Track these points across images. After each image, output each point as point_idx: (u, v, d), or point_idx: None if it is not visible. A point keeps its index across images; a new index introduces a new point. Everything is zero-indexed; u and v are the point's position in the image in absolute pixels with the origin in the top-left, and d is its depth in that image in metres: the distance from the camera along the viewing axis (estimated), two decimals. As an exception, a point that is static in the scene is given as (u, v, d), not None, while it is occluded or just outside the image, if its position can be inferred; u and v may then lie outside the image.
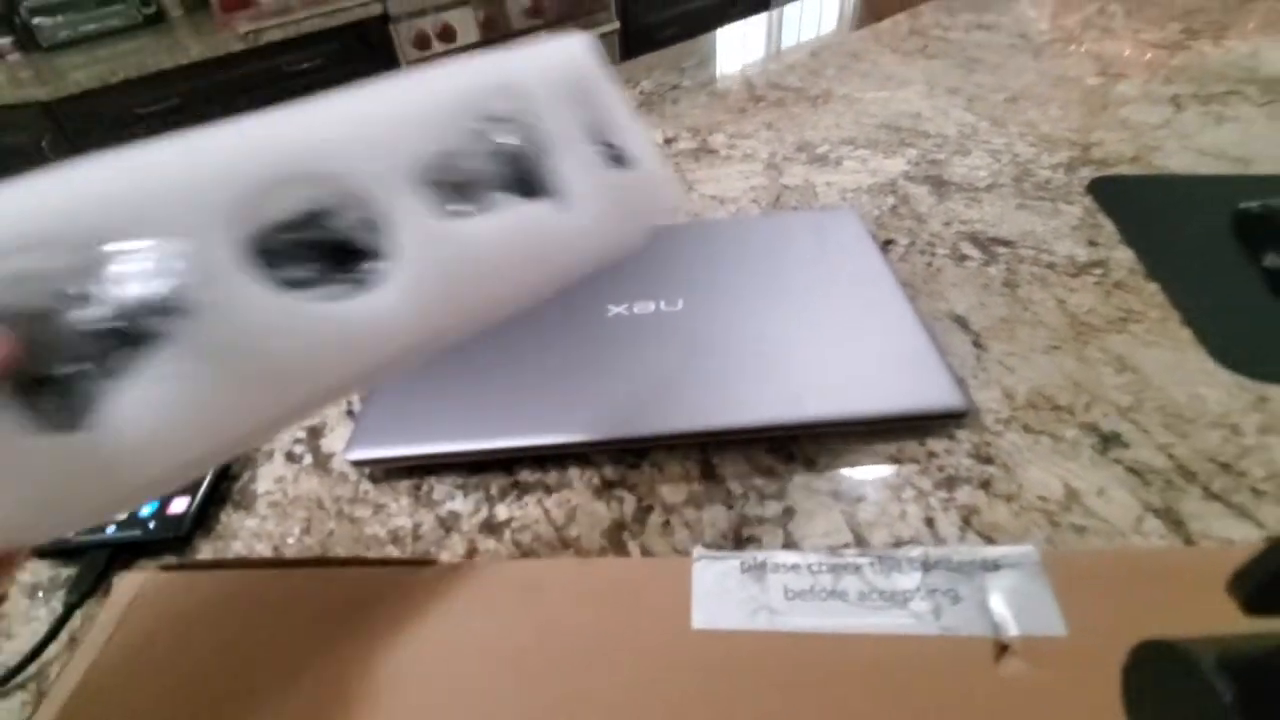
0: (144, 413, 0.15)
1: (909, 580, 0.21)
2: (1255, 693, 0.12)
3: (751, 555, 0.23)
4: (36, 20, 1.74)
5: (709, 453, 0.34)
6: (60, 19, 1.77)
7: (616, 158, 0.23)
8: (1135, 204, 0.49)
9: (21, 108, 1.53)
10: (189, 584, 0.25)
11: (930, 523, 0.30)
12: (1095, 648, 0.16)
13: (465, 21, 1.98)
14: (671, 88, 1.16)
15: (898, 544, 0.29)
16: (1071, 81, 0.68)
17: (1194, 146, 0.55)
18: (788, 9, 1.47)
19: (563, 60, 0.23)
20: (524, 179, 0.21)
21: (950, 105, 0.65)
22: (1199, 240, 0.45)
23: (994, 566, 0.21)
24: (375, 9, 1.82)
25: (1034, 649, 0.19)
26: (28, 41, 1.78)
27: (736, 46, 1.31)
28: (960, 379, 0.36)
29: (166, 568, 0.26)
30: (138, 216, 0.15)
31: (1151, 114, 0.60)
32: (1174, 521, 0.29)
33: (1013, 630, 0.19)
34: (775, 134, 0.63)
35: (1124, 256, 0.44)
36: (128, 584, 0.25)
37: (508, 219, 0.20)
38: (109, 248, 0.15)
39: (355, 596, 0.23)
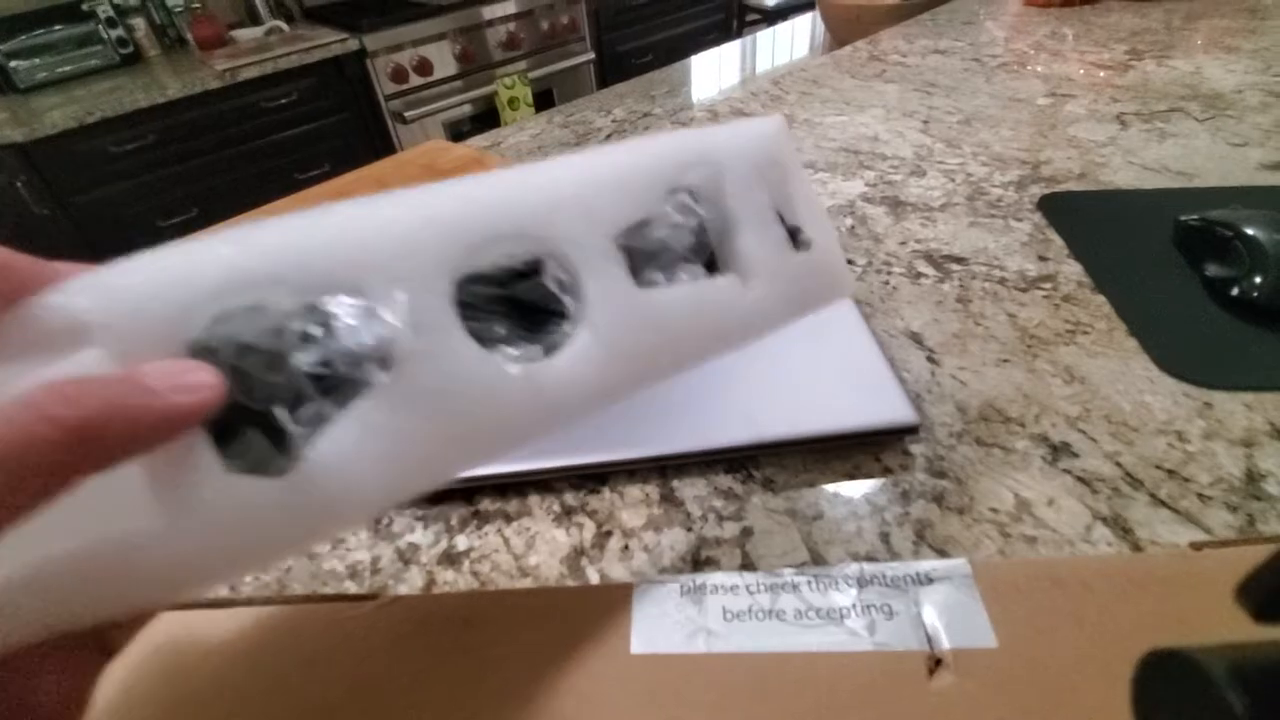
0: (344, 459, 0.15)
1: (845, 597, 0.21)
2: (1267, 703, 0.12)
3: (690, 578, 0.23)
4: (13, 64, 1.75)
5: (669, 476, 0.34)
6: (37, 61, 1.78)
7: (797, 239, 0.24)
8: (1082, 219, 0.50)
9: (-4, 149, 1.53)
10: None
11: (885, 538, 0.30)
12: (1024, 658, 0.16)
13: (442, 55, 2.01)
14: (643, 115, 1.19)
15: (855, 557, 0.30)
16: (1023, 103, 0.70)
17: (1138, 162, 0.57)
18: (760, 36, 1.52)
19: (757, 139, 0.23)
20: (709, 252, 0.21)
21: (907, 128, 0.67)
22: (1143, 252, 0.46)
23: (927, 580, 0.21)
24: (352, 45, 1.85)
25: (965, 662, 0.19)
26: (4, 84, 1.78)
27: (708, 74, 1.35)
28: (915, 394, 0.37)
29: None
30: (366, 264, 0.15)
31: (1098, 132, 0.63)
32: (1122, 529, 0.29)
33: (944, 644, 0.20)
34: (738, 159, 0.65)
35: (1072, 270, 0.45)
36: None
37: (693, 292, 0.20)
38: (336, 293, 0.15)
39: (297, 635, 0.23)
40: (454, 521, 0.33)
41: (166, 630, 0.24)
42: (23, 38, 1.74)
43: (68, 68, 1.82)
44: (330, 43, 1.82)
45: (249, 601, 0.28)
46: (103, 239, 1.71)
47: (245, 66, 1.73)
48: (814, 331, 0.38)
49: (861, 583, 0.22)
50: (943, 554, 0.29)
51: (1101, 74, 0.75)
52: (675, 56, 1.48)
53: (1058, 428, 0.35)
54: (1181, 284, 0.44)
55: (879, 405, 0.34)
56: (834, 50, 1.29)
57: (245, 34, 1.97)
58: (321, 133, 1.91)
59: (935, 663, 0.19)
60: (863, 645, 0.20)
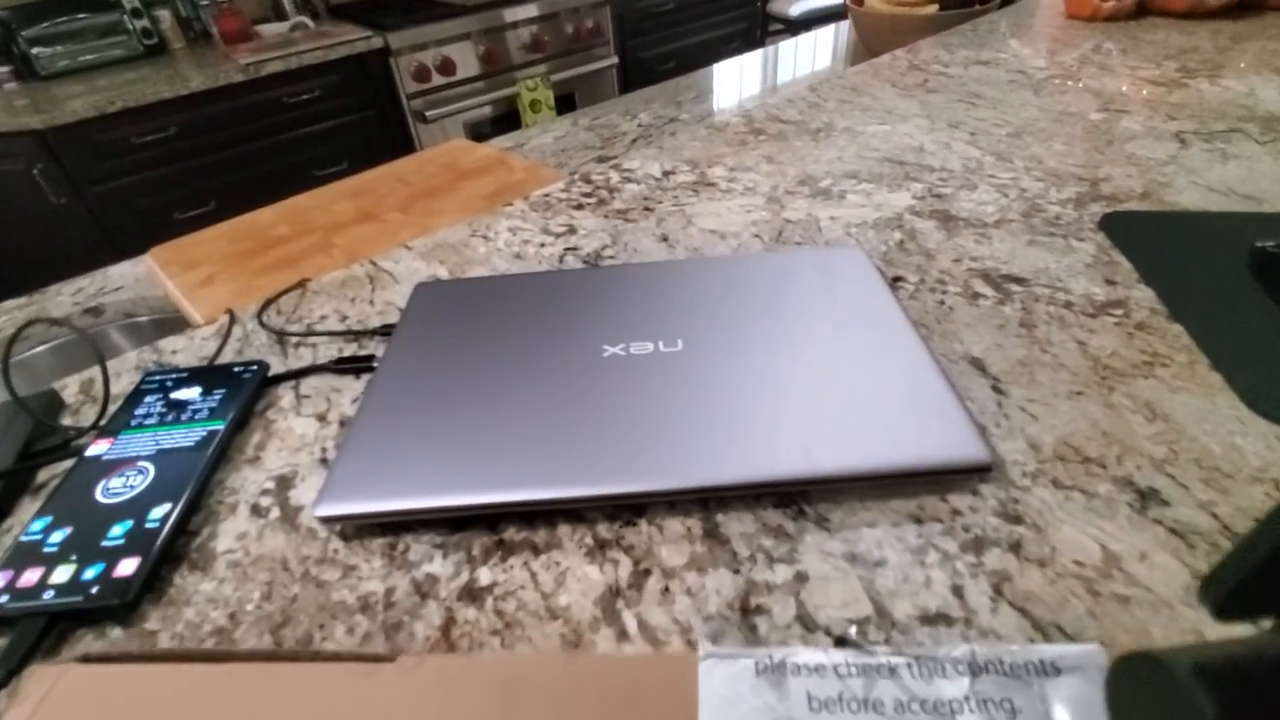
0: None
1: (955, 687, 0.18)
2: (1232, 698, 0.12)
3: (767, 654, 0.20)
4: (35, 50, 1.75)
5: (712, 509, 0.31)
6: (59, 49, 1.78)
7: None
8: (1150, 241, 0.47)
9: (15, 136, 1.52)
10: (111, 681, 0.21)
11: (958, 591, 0.27)
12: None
13: (465, 56, 2.00)
14: (669, 120, 1.16)
15: (924, 617, 0.26)
16: (1074, 117, 0.67)
17: (1203, 183, 0.54)
18: (783, 45, 1.49)
19: None
20: None
21: (953, 139, 0.64)
22: (1218, 280, 0.43)
23: (1054, 670, 0.18)
24: (376, 42, 1.84)
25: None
26: (26, 70, 1.78)
27: (733, 81, 1.32)
28: (981, 427, 0.33)
29: (86, 659, 0.23)
30: None
31: (1157, 150, 0.59)
32: (1226, 591, 0.26)
33: (1081, 751, 0.16)
34: (776, 167, 0.62)
35: (1143, 296, 0.42)
36: (37, 680, 0.22)
37: None
38: None
39: (304, 700, 0.20)
40: (476, 551, 0.30)
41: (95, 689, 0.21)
42: (46, 25, 1.74)
43: (90, 56, 1.82)
44: (355, 39, 1.81)
45: (231, 657, 0.25)
46: (119, 229, 1.70)
47: (269, 61, 1.72)
48: (870, 353, 0.35)
49: (974, 669, 0.19)
50: (1024, 612, 0.26)
51: (1152, 90, 0.72)
52: (698, 64, 1.46)
53: (1143, 471, 0.31)
54: (1262, 314, 0.40)
55: (946, 440, 0.31)
56: (867, 60, 1.26)
57: (270, 29, 1.97)
58: (342, 130, 1.90)
59: (1073, 775, 0.16)
60: (982, 749, 0.17)
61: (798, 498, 0.31)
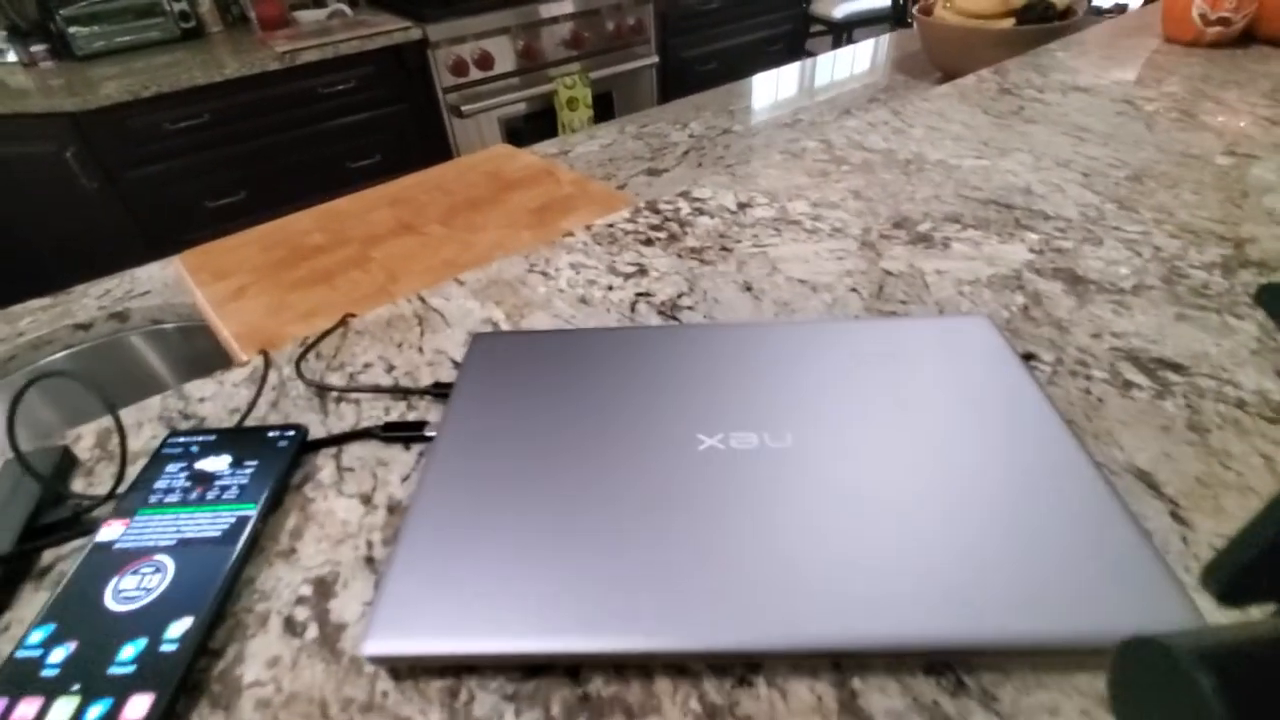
0: None
1: None
2: (1235, 682, 0.12)
3: None
4: (72, 30, 1.72)
5: (846, 672, 0.25)
6: (96, 29, 1.75)
7: None
8: (1324, 323, 0.40)
9: (49, 117, 1.50)
10: None
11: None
12: None
13: (503, 50, 1.94)
14: (722, 131, 1.10)
15: None
16: (1198, 160, 0.60)
17: (1367, 249, 0.47)
18: (823, 57, 1.42)
19: None
20: None
21: (1064, 180, 0.57)
22: None
23: None
24: (415, 34, 1.79)
25: None
26: (62, 50, 1.76)
27: (784, 91, 1.25)
28: (1186, 591, 0.27)
29: None
30: None
31: (1304, 205, 0.52)
32: None
33: None
34: (866, 205, 0.56)
35: (1331, 396, 0.36)
36: None
37: None
38: None
39: None
40: (556, 709, 0.25)
41: None
42: (84, 4, 1.71)
43: (127, 38, 1.79)
44: (393, 30, 1.76)
45: None
46: (149, 216, 1.67)
47: (305, 50, 1.68)
48: (1028, 468, 0.29)
49: None
50: None
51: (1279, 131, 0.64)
52: (739, 65, 1.39)
53: (1385, 649, 0.25)
54: None
55: (1141, 597, 0.25)
56: (929, 76, 1.19)
57: (308, 15, 1.93)
58: (376, 123, 1.86)
59: None
60: None
61: (954, 664, 0.25)
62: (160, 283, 0.79)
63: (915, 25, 1.26)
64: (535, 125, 2.06)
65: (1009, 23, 1.12)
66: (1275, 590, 0.16)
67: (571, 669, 0.26)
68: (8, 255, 1.64)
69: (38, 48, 1.74)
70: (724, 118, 1.15)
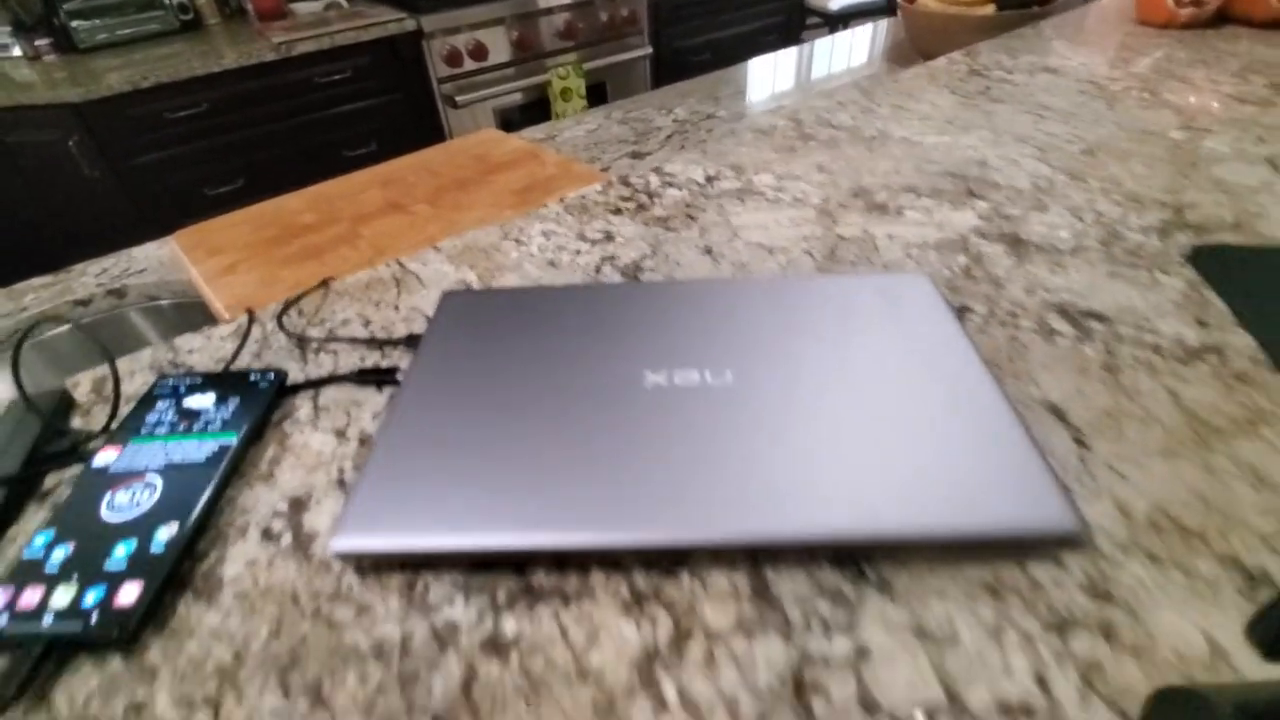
0: None
1: None
2: None
3: None
4: (75, 23, 1.75)
5: (761, 564, 0.28)
6: (98, 22, 1.78)
7: None
8: (1246, 280, 0.43)
9: (53, 108, 1.53)
10: None
11: (1043, 682, 0.24)
12: None
13: (498, 41, 1.97)
14: (706, 117, 1.12)
15: (1003, 707, 0.23)
16: (1154, 135, 0.62)
17: (1300, 214, 0.50)
18: (819, 43, 1.44)
19: None
20: None
21: (1021, 154, 0.60)
22: (1327, 326, 0.39)
23: None
24: (409, 24, 1.81)
25: None
26: (65, 43, 1.79)
27: (772, 78, 1.28)
28: (1065, 488, 0.30)
29: None
30: None
31: (1248, 175, 0.55)
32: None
33: None
34: (828, 177, 0.58)
35: (1242, 342, 0.38)
36: None
37: None
38: None
39: None
40: (502, 597, 0.28)
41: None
42: (87, -3, 1.75)
43: (128, 30, 1.82)
44: (388, 21, 1.79)
45: None
46: (150, 203, 1.70)
47: (301, 40, 1.70)
48: (940, 397, 0.32)
49: None
50: (1121, 712, 0.23)
51: (1242, 109, 0.67)
52: (733, 56, 1.41)
53: (1252, 550, 0.28)
54: (1378, 369, 0.36)
55: (1029, 502, 0.28)
56: (914, 63, 1.21)
57: (304, 7, 1.96)
58: (371, 112, 1.89)
59: None
60: None
61: (857, 557, 0.28)
62: (156, 261, 0.82)
63: (899, 12, 1.28)
64: (530, 116, 2.08)
65: (990, 8, 1.14)
66: None
67: (518, 565, 0.28)
68: (15, 240, 1.67)
69: (41, 41, 1.77)
70: (709, 103, 1.18)
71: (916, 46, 1.26)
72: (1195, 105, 0.67)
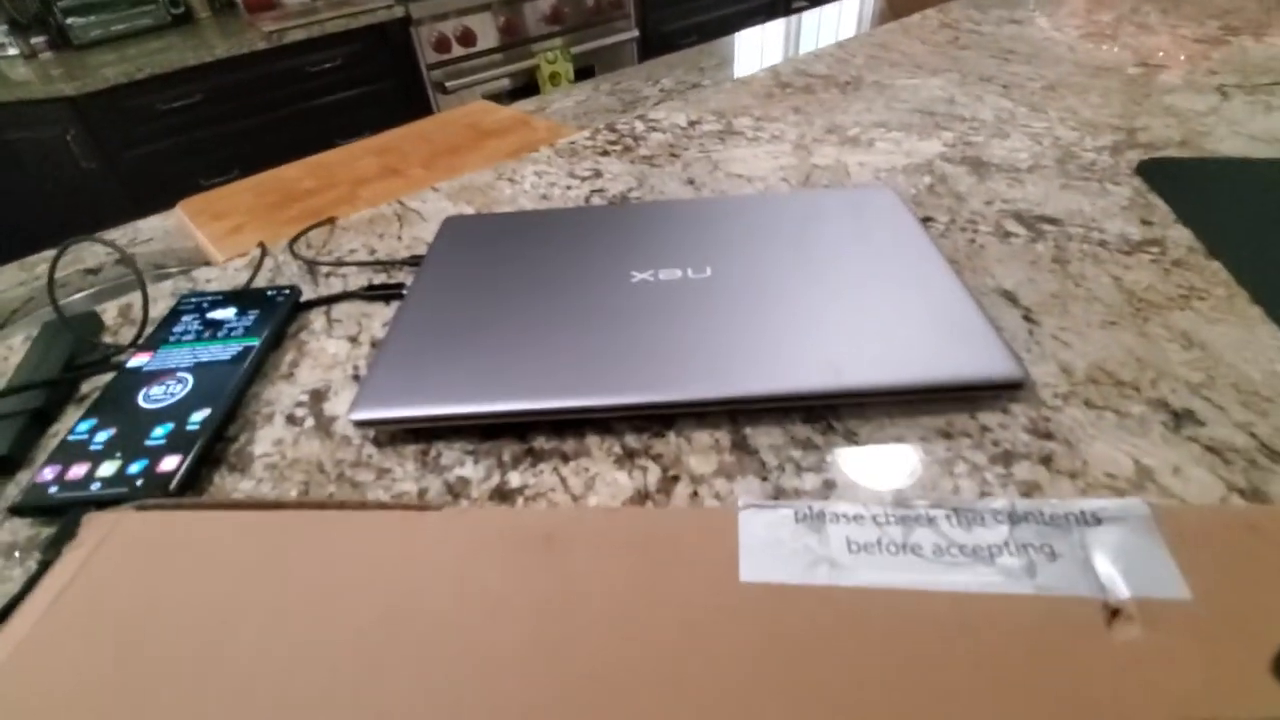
0: None
1: (994, 534, 0.18)
2: None
3: (806, 504, 0.20)
4: (69, 20, 1.77)
5: (740, 423, 0.31)
6: (92, 18, 1.80)
7: None
8: (1188, 185, 0.46)
9: (50, 102, 1.55)
10: (167, 525, 0.22)
11: (986, 497, 0.27)
12: (1226, 611, 0.13)
13: (485, 26, 1.99)
14: (692, 86, 1.15)
15: (951, 521, 0.27)
16: (1111, 71, 0.65)
17: (1245, 133, 0.53)
18: (806, 17, 1.47)
19: None
20: None
21: (985, 92, 0.63)
22: (1261, 220, 0.42)
23: (1094, 520, 0.18)
24: (397, 12, 1.83)
25: (1152, 612, 0.16)
26: (60, 40, 1.80)
27: (757, 48, 1.30)
28: (1013, 352, 0.33)
29: (143, 507, 0.24)
30: None
31: (1197, 102, 0.58)
32: (1263, 502, 0.26)
33: (1124, 591, 0.16)
34: (804, 118, 0.61)
35: (1181, 235, 0.41)
36: (97, 525, 0.23)
37: None
38: None
39: (351, 542, 0.21)
40: (506, 458, 0.31)
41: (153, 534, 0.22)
42: (78, -7, 1.76)
43: (121, 25, 1.84)
44: (376, 9, 1.81)
45: (282, 506, 0.26)
46: (147, 195, 1.72)
47: (291, 29, 1.72)
48: (900, 279, 0.35)
49: (1013, 519, 0.19)
50: (1054, 519, 0.26)
51: (1194, 48, 0.70)
52: (721, 36, 1.45)
53: (1178, 394, 0.31)
54: (1306, 255, 0.39)
55: (976, 357, 0.31)
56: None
57: (292, -2, 1.97)
58: (363, 99, 1.91)
59: (1113, 612, 0.16)
60: (1021, 588, 0.17)
61: (825, 413, 0.31)
62: (161, 231, 0.84)
63: (877, -19, 1.31)
64: (519, 100, 2.10)
65: (964, -27, 1.17)
66: None
67: (520, 430, 0.32)
68: (18, 234, 1.69)
69: (37, 39, 1.79)
70: (694, 74, 1.20)
71: (896, 13, 1.29)
72: (1152, 46, 0.70)
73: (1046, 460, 0.28)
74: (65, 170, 1.61)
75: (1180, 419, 0.30)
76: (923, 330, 0.32)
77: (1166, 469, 0.28)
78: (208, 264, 0.78)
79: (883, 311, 0.34)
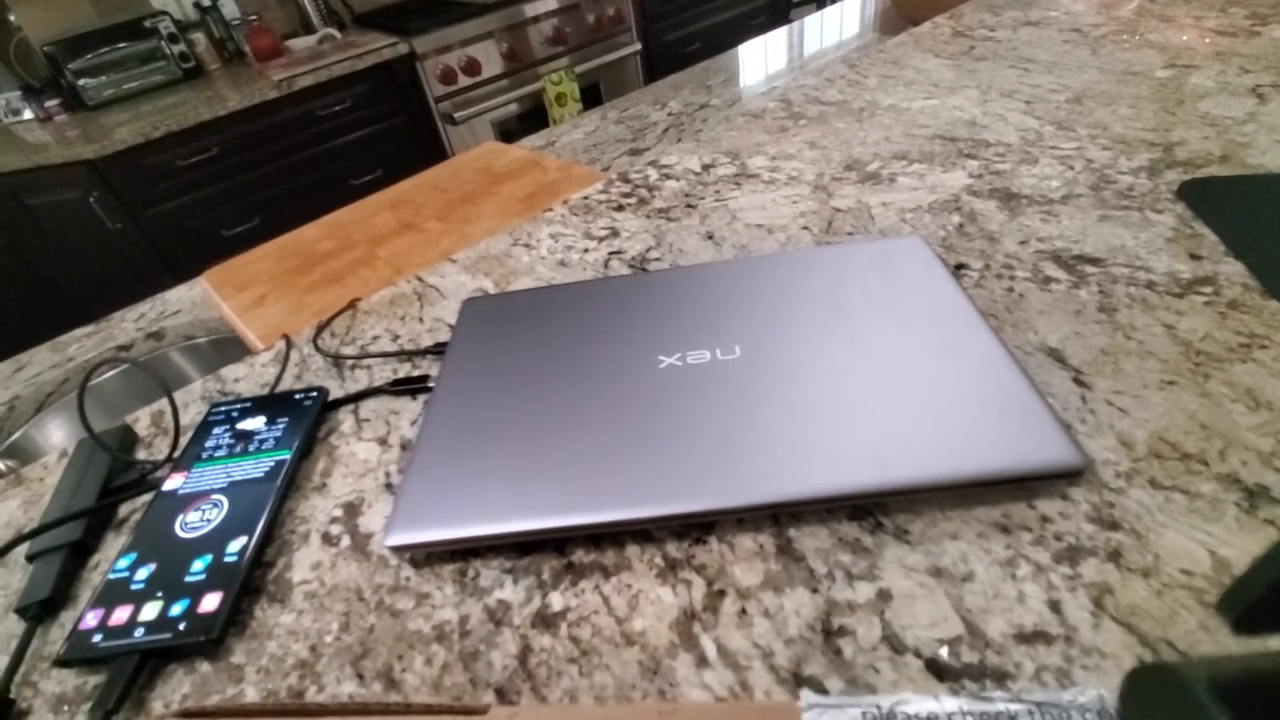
0: None
1: (1084, 736, 0.17)
2: (1248, 714, 0.12)
3: (875, 703, 0.19)
4: (82, 81, 1.82)
5: (783, 524, 0.30)
6: (104, 79, 1.84)
7: None
8: (1235, 209, 0.44)
9: (70, 166, 1.59)
10: None
11: (1055, 606, 0.26)
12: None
13: (489, 54, 2.00)
14: (700, 106, 1.14)
15: (1020, 635, 0.25)
16: (1139, 76, 0.62)
17: (1291, 140, 0.50)
18: (808, 21, 1.44)
19: None
20: None
21: (1007, 110, 0.61)
22: (1321, 247, 0.40)
23: None
24: (402, 49, 1.85)
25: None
26: (74, 101, 1.85)
27: (762, 60, 1.29)
28: (1067, 425, 0.32)
29: (185, 714, 0.24)
30: None
31: (1233, 107, 0.55)
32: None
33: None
34: (820, 153, 0.60)
35: (1233, 270, 0.39)
36: None
37: None
38: None
39: None
40: (546, 575, 0.30)
41: None
42: (90, 56, 1.81)
43: (134, 84, 1.88)
44: (381, 47, 1.83)
45: (324, 711, 0.25)
46: (172, 249, 1.76)
47: (300, 75, 1.75)
48: (940, 351, 0.34)
49: (1102, 717, 0.17)
50: (1130, 628, 0.25)
51: (1224, 41, 0.66)
52: (724, 43, 1.43)
53: (1250, 466, 0.29)
54: (1374, 284, 0.37)
55: (1032, 442, 0.29)
56: (902, 30, 1.21)
57: (299, 43, 2.00)
58: (374, 138, 1.93)
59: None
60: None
61: (873, 509, 0.30)
62: (188, 302, 0.85)
63: (881, -19, 1.28)
64: (528, 124, 2.11)
65: (971, -32, 1.14)
66: None
67: (558, 545, 0.31)
68: (52, 299, 1.74)
69: (51, 103, 1.84)
70: (702, 93, 1.19)
71: (901, 12, 1.26)
72: (1178, 43, 0.67)
73: (1114, 556, 0.27)
74: (93, 231, 1.66)
75: (1255, 497, 0.28)
76: (971, 413, 0.31)
77: (1245, 561, 0.26)
78: (233, 334, 0.79)
79: (925, 392, 0.32)
